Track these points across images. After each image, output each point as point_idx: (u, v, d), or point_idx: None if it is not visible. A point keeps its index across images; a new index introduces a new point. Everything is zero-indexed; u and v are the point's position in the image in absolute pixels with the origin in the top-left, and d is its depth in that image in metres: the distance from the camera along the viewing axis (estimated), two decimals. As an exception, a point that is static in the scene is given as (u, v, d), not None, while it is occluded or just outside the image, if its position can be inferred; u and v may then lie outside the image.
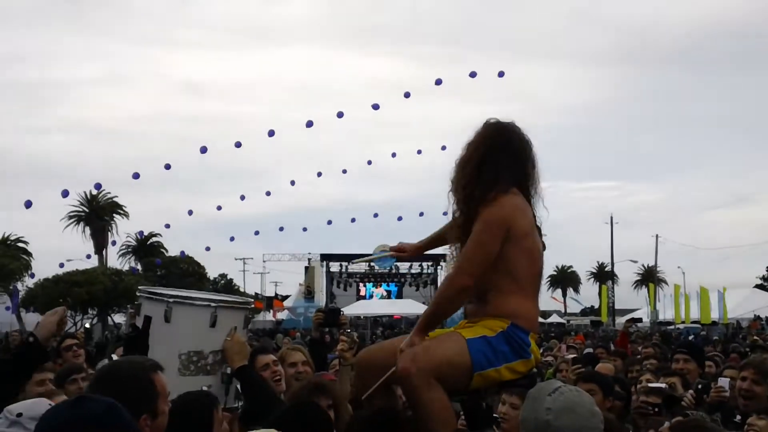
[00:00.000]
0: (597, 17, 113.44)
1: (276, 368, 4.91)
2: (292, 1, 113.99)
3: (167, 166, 24.93)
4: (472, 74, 23.42)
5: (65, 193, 26.62)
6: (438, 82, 23.07)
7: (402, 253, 4.74)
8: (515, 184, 3.91)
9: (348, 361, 4.81)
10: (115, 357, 6.14)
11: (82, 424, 2.12)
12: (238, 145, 25.47)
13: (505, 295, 3.84)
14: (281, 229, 33.67)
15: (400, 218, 38.04)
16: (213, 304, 3.77)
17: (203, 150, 25.10)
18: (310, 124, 24.73)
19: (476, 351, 3.71)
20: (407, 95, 24.55)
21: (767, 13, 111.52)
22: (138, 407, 2.59)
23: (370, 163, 30.91)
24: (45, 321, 3.93)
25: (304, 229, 34.27)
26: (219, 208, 29.36)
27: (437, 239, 4.54)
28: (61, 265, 37.56)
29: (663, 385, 5.61)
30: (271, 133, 25.35)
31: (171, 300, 3.70)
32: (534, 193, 4.01)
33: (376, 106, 24.30)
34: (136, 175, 23.91)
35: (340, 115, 24.97)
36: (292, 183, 32.22)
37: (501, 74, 24.34)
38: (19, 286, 44.57)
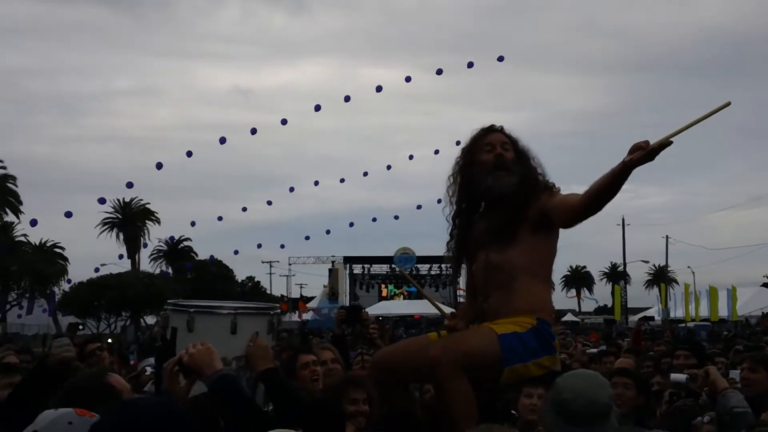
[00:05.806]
0: (607, 27, 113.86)
1: (315, 368, 5.07)
2: (314, 17, 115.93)
3: (189, 154, 25.08)
4: (470, 64, 24.21)
5: (102, 201, 26.81)
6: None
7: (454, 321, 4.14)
8: None
9: (378, 347, 5.15)
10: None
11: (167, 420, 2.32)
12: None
13: (531, 285, 3.84)
14: (307, 238, 33.81)
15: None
16: (232, 312, 3.86)
17: (222, 140, 25.07)
18: (318, 107, 24.51)
19: (507, 346, 3.67)
20: (408, 79, 24.59)
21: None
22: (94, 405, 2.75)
23: (389, 167, 30.73)
24: (57, 353, 4.17)
25: (327, 232, 34.70)
26: (244, 209, 29.88)
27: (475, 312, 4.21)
28: (97, 270, 38.30)
29: (684, 377, 5.66)
30: (284, 122, 25.40)
31: (192, 310, 3.83)
32: None
33: (379, 88, 24.38)
34: (159, 165, 23.83)
35: (347, 99, 24.58)
36: (316, 183, 33.19)
37: (501, 59, 25.09)
38: (55, 290, 45.83)
